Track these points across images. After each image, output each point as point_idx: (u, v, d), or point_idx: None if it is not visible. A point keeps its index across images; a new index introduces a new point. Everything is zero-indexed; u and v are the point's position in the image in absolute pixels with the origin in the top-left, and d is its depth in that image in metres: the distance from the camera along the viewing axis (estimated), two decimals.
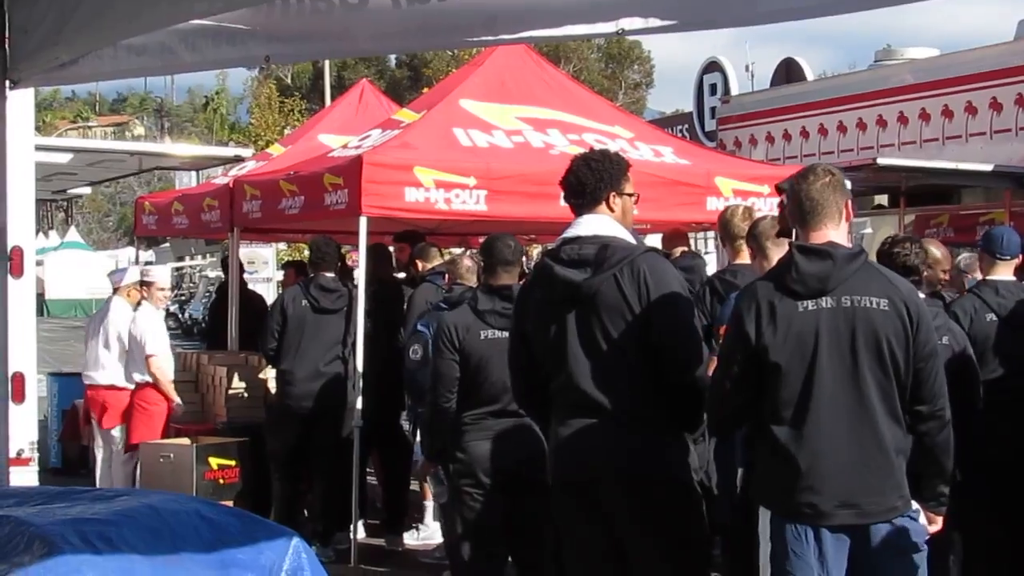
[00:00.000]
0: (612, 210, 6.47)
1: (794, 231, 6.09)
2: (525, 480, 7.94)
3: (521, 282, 7.63)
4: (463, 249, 13.08)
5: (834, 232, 5.86)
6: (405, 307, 11.58)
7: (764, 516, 5.84)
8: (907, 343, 5.79)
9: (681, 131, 28.58)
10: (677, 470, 6.34)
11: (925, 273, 7.93)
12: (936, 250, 8.89)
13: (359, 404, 10.81)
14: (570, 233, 6.44)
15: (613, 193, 6.48)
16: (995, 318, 8.66)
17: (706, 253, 18.08)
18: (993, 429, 8.42)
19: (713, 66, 30.25)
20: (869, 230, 16.84)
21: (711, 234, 18.01)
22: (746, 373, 5.77)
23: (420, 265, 11.83)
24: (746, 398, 5.81)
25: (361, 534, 11.30)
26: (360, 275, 11.66)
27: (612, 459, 6.20)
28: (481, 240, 17.66)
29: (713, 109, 24.60)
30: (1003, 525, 8.60)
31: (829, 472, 5.72)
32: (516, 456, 7.98)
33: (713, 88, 29.24)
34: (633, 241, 6.47)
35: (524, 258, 10.10)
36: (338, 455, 11.11)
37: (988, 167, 14.12)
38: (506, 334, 7.70)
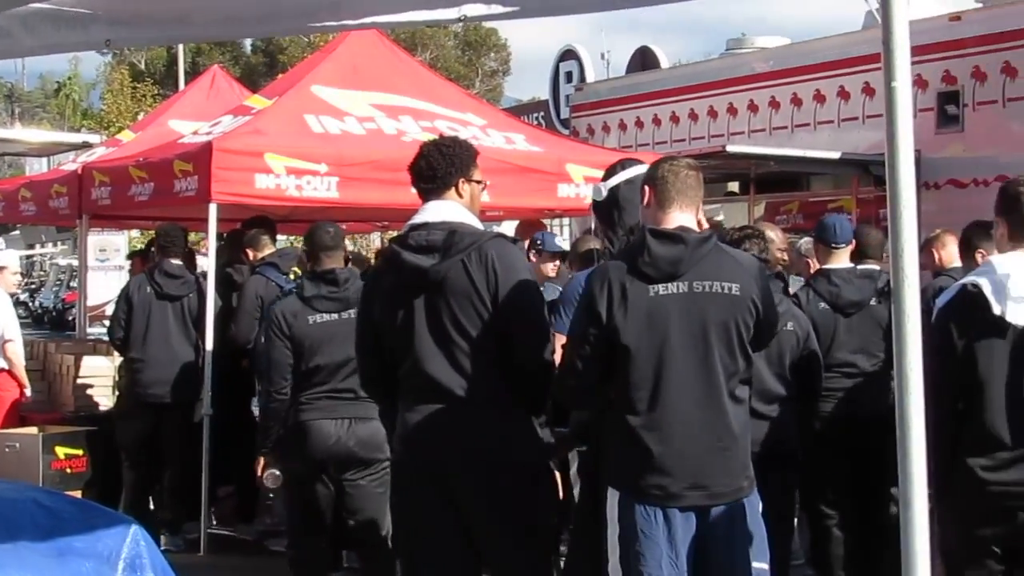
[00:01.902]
0: (461, 196, 6.49)
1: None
2: (359, 461, 8.14)
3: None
4: None
5: (688, 220, 5.94)
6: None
7: (613, 498, 5.86)
8: (750, 326, 5.90)
9: (537, 118, 28.75)
10: (525, 454, 6.37)
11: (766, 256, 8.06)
12: (771, 232, 9.07)
13: (208, 391, 10.76)
14: (418, 219, 6.44)
15: (463, 179, 6.49)
16: (826, 306, 8.85)
17: (562, 239, 18.11)
18: (841, 410, 8.63)
19: (569, 54, 30.40)
20: (722, 217, 17.00)
21: (565, 220, 18.13)
22: (596, 352, 5.80)
23: (251, 254, 11.71)
24: (594, 377, 5.84)
25: (212, 522, 11.24)
26: (210, 263, 11.55)
27: (459, 444, 6.21)
28: None
29: (568, 97, 24.69)
30: (842, 502, 8.79)
31: (679, 454, 5.77)
32: (349, 438, 8.30)
33: (569, 76, 29.38)
34: (481, 227, 6.49)
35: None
36: (188, 443, 11.04)
37: (836, 155, 14.31)
38: (334, 317, 8.28)
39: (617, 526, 5.84)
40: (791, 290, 8.84)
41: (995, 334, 5.97)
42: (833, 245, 9.05)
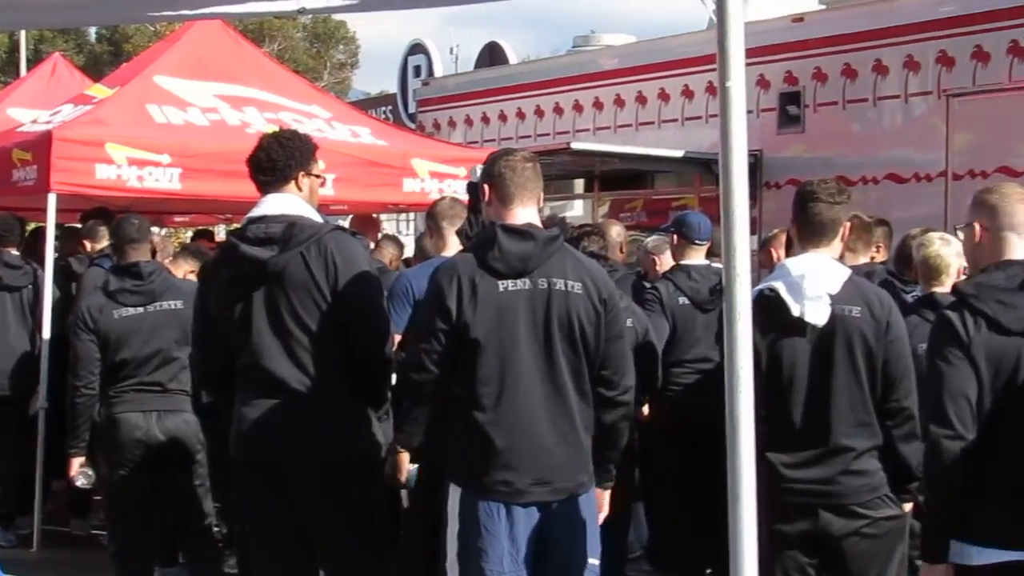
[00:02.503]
0: (300, 190, 6.48)
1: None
2: (169, 453, 8.15)
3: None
4: (160, 228, 12.91)
5: (532, 214, 5.98)
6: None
7: (455, 493, 5.87)
8: (598, 326, 5.94)
9: (385, 112, 28.60)
10: (362, 447, 6.40)
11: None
12: (613, 228, 9.19)
13: (45, 384, 10.60)
14: (257, 212, 6.41)
15: (302, 173, 6.48)
16: (687, 301, 8.96)
17: (406, 235, 18.09)
18: (685, 405, 8.71)
19: (418, 48, 30.35)
20: (570, 213, 17.06)
21: (411, 215, 18.11)
22: (444, 347, 5.79)
23: (88, 245, 11.52)
24: (440, 373, 5.83)
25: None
26: (48, 254, 11.36)
27: (296, 437, 6.20)
28: (177, 219, 17.47)
29: (416, 91, 24.65)
30: (682, 495, 8.88)
31: (525, 450, 5.80)
32: (158, 430, 8.35)
33: (417, 70, 29.33)
34: (320, 220, 6.47)
35: None
36: (23, 436, 10.85)
37: (679, 153, 14.44)
38: (140, 311, 8.36)
39: (458, 522, 5.85)
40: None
41: (796, 334, 6.11)
42: (696, 242, 9.18)
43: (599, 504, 6.21)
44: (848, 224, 6.46)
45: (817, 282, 6.11)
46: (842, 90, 13.47)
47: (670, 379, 8.91)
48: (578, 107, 16.59)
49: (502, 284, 5.81)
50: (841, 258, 6.63)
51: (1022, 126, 11.92)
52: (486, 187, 6.03)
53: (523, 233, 5.87)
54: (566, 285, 5.89)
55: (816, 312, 6.08)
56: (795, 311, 6.11)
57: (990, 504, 5.08)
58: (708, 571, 9.18)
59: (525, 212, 5.96)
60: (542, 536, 5.88)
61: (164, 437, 8.36)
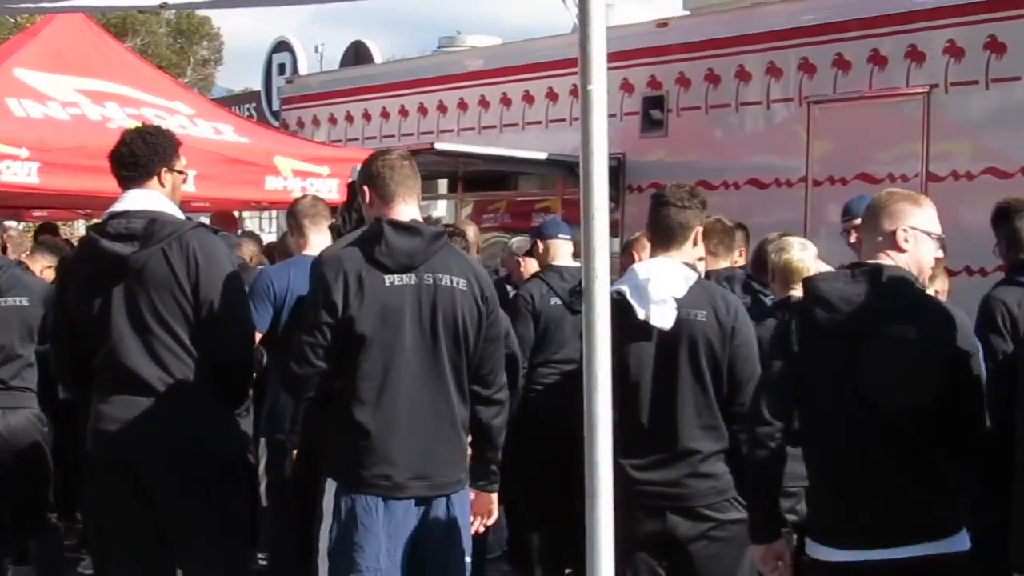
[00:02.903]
0: (163, 185, 6.42)
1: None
2: (13, 451, 8.10)
3: None
4: (18, 223, 12.72)
5: (415, 211, 6.03)
6: None
7: (330, 488, 5.87)
8: (479, 323, 6.01)
9: (249, 110, 28.38)
10: (223, 447, 6.36)
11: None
12: (469, 230, 9.23)
13: None
14: (118, 207, 6.34)
15: (165, 169, 6.43)
16: (559, 301, 9.01)
17: (267, 233, 18.00)
18: (548, 405, 8.75)
19: (283, 45, 30.13)
20: (433, 214, 17.05)
21: (273, 213, 17.99)
22: (329, 342, 5.78)
23: None
24: (327, 366, 5.81)
25: None
26: None
27: (156, 436, 6.13)
28: (35, 214, 17.17)
29: (280, 89, 24.50)
30: (542, 495, 8.92)
31: (406, 444, 5.83)
32: (2, 426, 8.30)
33: (282, 68, 29.12)
34: (182, 217, 6.43)
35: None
36: None
37: (543, 155, 14.50)
38: None
39: (331, 517, 5.85)
40: None
41: (642, 338, 6.18)
42: (561, 236, 9.31)
43: (488, 509, 6.34)
44: (701, 228, 6.53)
45: (663, 286, 6.17)
46: (705, 95, 13.59)
47: (536, 379, 8.97)
48: (442, 108, 16.59)
49: (388, 279, 5.83)
50: (702, 262, 6.71)
51: (881, 134, 12.12)
52: (366, 188, 6.06)
53: (410, 228, 5.90)
54: (451, 281, 5.94)
55: (661, 316, 6.15)
56: (640, 315, 6.18)
57: (820, 504, 5.28)
58: (567, 572, 9.22)
59: (408, 209, 6.00)
60: (419, 532, 5.91)
61: (7, 434, 8.27)
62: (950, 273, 8.32)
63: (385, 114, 17.38)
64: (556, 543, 9.02)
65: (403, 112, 17.12)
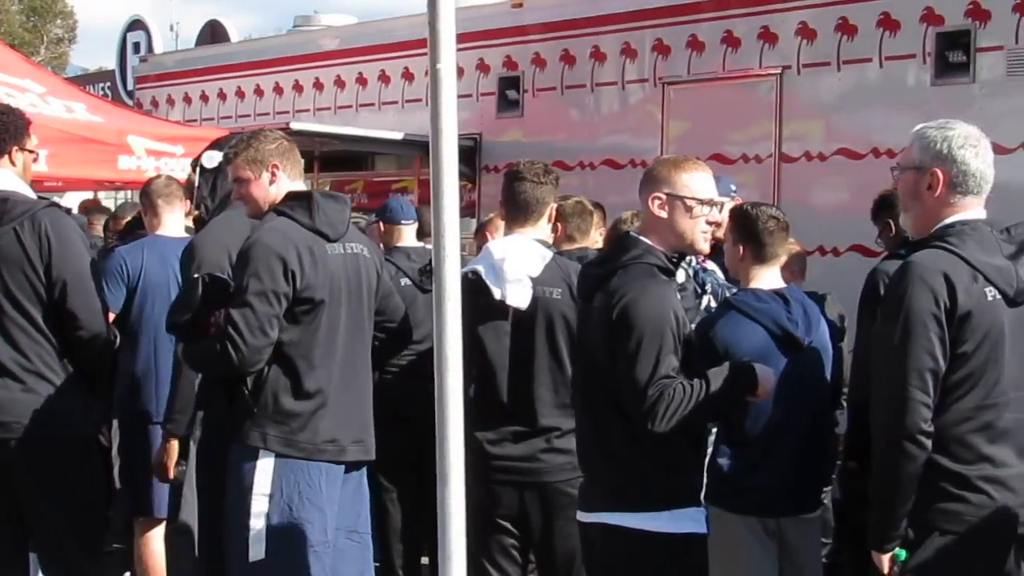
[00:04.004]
0: (14, 164, 6.41)
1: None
2: None
3: None
4: None
5: (301, 184, 6.22)
6: None
7: (266, 463, 5.91)
8: (378, 288, 6.26)
9: (104, 89, 27.97)
10: (79, 429, 6.34)
11: None
12: None
13: None
14: None
15: (15, 147, 6.41)
16: (409, 282, 8.98)
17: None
18: (403, 385, 8.72)
19: (137, 24, 29.71)
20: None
21: (127, 193, 17.75)
22: (281, 312, 5.87)
23: None
24: (275, 337, 5.88)
25: None
26: None
27: (9, 417, 6.10)
28: None
29: (135, 68, 24.18)
30: (400, 475, 8.89)
31: (345, 410, 6.00)
32: None
33: (137, 46, 28.70)
34: (34, 196, 6.36)
35: None
36: None
37: (399, 135, 14.49)
38: None
39: (271, 493, 5.89)
40: None
41: (499, 317, 6.22)
42: (403, 222, 9.23)
43: None
44: (555, 205, 6.56)
45: (518, 265, 6.20)
46: (561, 76, 13.60)
47: (392, 360, 8.93)
48: (298, 87, 16.50)
49: (331, 248, 6.00)
50: (558, 242, 6.73)
51: (735, 114, 12.21)
52: (276, 164, 6.13)
53: (337, 198, 6.18)
54: (362, 249, 6.16)
55: (517, 295, 6.17)
56: (496, 294, 6.21)
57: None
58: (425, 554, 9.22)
59: (304, 185, 6.23)
60: (342, 500, 6.06)
61: None
62: (806, 253, 8.41)
63: (240, 94, 17.24)
64: (414, 523, 9.01)
65: (259, 92, 16.99)
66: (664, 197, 5.27)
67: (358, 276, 6.11)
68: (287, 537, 5.86)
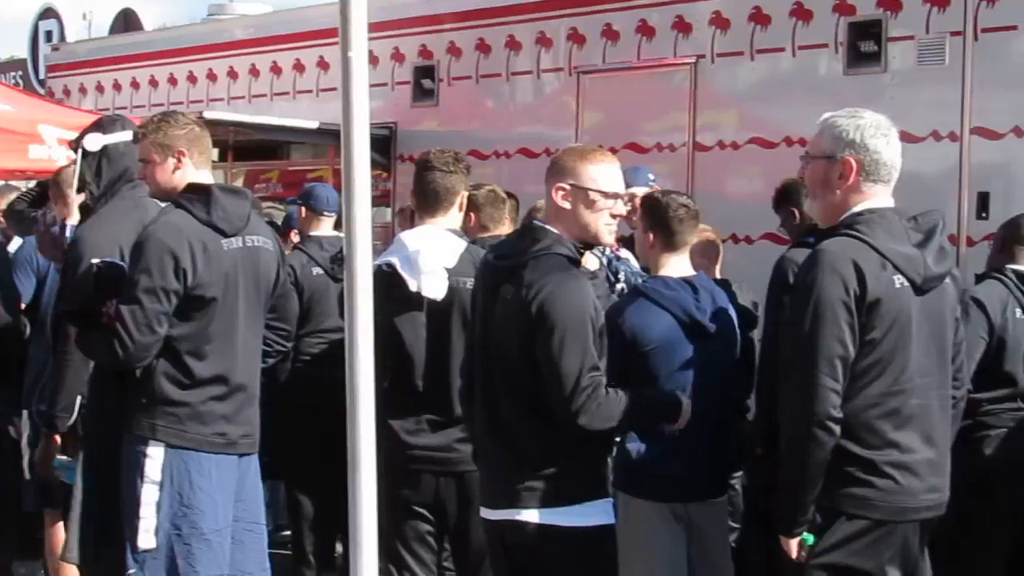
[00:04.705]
0: None
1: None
2: None
3: None
4: None
5: (208, 174, 6.23)
6: None
7: (157, 452, 5.91)
8: (278, 281, 6.31)
9: (15, 78, 27.71)
10: None
11: None
12: None
13: None
14: None
15: None
16: (321, 272, 8.99)
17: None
18: (316, 374, 8.72)
19: (49, 12, 29.43)
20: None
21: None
22: (172, 309, 5.87)
23: None
24: (166, 332, 5.88)
25: None
26: None
27: None
28: None
29: (47, 56, 23.95)
30: (310, 464, 8.90)
31: (237, 404, 6.05)
32: None
33: (49, 35, 28.44)
34: None
35: None
36: None
37: (314, 124, 14.43)
38: None
39: (161, 482, 5.89)
40: None
41: (414, 308, 6.22)
42: (325, 213, 9.25)
43: None
44: (466, 194, 6.56)
45: (433, 256, 6.19)
46: (476, 65, 13.58)
47: (303, 349, 8.93)
48: (212, 76, 16.39)
49: (225, 243, 5.96)
50: (472, 231, 6.73)
51: (649, 104, 12.24)
52: (183, 151, 6.11)
53: (238, 192, 6.19)
54: (263, 242, 6.16)
55: (432, 286, 6.17)
56: (412, 286, 6.20)
57: None
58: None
59: (206, 174, 6.19)
60: (238, 491, 6.09)
61: None
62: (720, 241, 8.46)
63: (154, 82, 17.11)
64: (327, 512, 9.00)
65: (172, 80, 16.87)
66: (568, 188, 5.26)
67: (256, 270, 6.11)
68: (178, 526, 5.88)
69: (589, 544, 5.13)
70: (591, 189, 5.23)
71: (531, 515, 5.12)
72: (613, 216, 5.32)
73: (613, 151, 11.89)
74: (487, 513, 5.34)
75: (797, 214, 7.34)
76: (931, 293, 4.99)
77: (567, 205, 5.25)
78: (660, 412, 5.43)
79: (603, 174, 5.29)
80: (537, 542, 5.11)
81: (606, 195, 5.25)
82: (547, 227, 5.27)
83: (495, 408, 5.23)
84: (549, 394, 5.03)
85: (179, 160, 6.07)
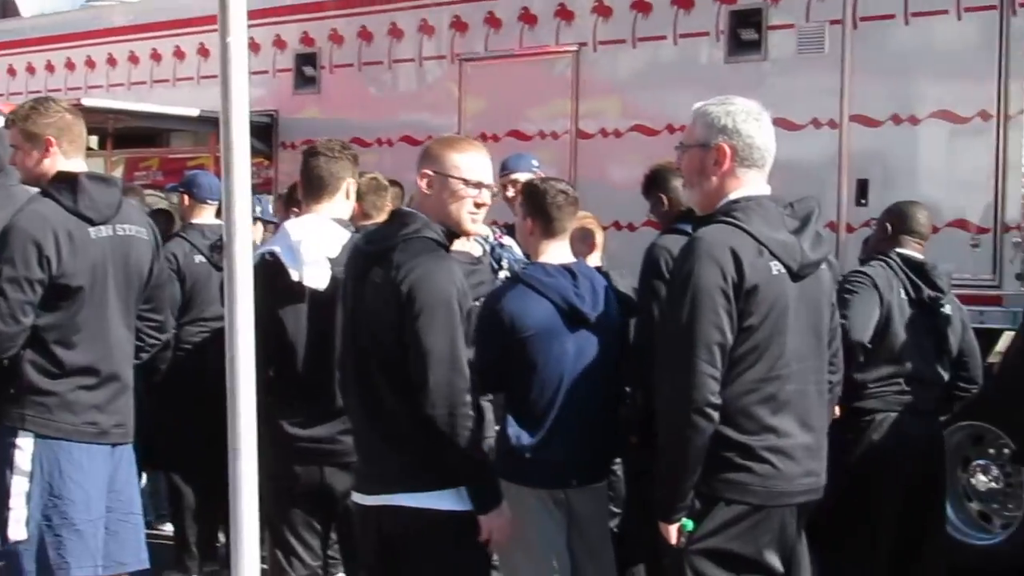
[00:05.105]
0: None
1: None
2: None
3: None
4: None
5: (81, 163, 6.13)
6: None
7: (27, 442, 5.86)
8: (152, 269, 6.22)
9: None
10: None
11: None
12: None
13: None
14: None
15: None
16: (203, 259, 8.95)
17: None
18: (198, 362, 8.67)
19: None
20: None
21: None
22: (37, 298, 5.80)
23: None
24: (31, 322, 5.82)
25: None
26: None
27: None
28: None
29: None
30: (205, 451, 8.80)
31: (109, 393, 5.98)
32: None
33: None
34: None
35: None
36: None
37: (195, 112, 14.37)
38: None
39: (31, 472, 5.83)
40: None
41: (296, 299, 6.20)
42: (208, 201, 9.24)
43: None
44: (353, 182, 6.55)
45: (316, 246, 6.16)
46: (358, 52, 13.55)
47: (185, 338, 8.89)
48: (91, 63, 16.24)
49: (93, 231, 5.90)
50: (355, 219, 6.72)
51: (532, 92, 12.28)
52: (52, 140, 6.04)
53: (107, 180, 6.12)
54: (136, 231, 6.10)
55: (315, 276, 6.14)
56: (294, 276, 6.16)
57: None
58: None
59: (80, 163, 6.09)
60: (112, 481, 6.02)
61: None
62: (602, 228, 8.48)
63: (31, 69, 16.93)
64: (209, 502, 8.95)
65: (50, 67, 16.70)
66: (432, 175, 5.24)
67: (127, 259, 6.05)
68: (49, 517, 5.83)
69: (464, 529, 5.12)
70: (453, 176, 5.22)
71: (405, 499, 5.09)
72: (477, 205, 5.29)
73: (496, 139, 12.09)
74: (360, 498, 5.31)
75: (666, 200, 7.35)
76: (807, 279, 5.02)
77: (430, 192, 5.24)
78: (481, 490, 5.19)
79: (467, 163, 5.25)
80: (411, 527, 5.09)
81: (468, 183, 5.24)
82: (416, 212, 5.27)
83: (369, 394, 5.20)
84: (414, 375, 5.01)
85: (47, 149, 6.01)
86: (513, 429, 6.13)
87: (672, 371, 4.92)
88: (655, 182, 7.50)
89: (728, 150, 5.02)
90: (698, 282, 4.83)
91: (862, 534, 7.00)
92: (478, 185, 5.23)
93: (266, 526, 5.98)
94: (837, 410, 6.20)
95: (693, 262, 4.87)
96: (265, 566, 5.06)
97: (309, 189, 6.46)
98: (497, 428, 6.45)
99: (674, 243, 6.55)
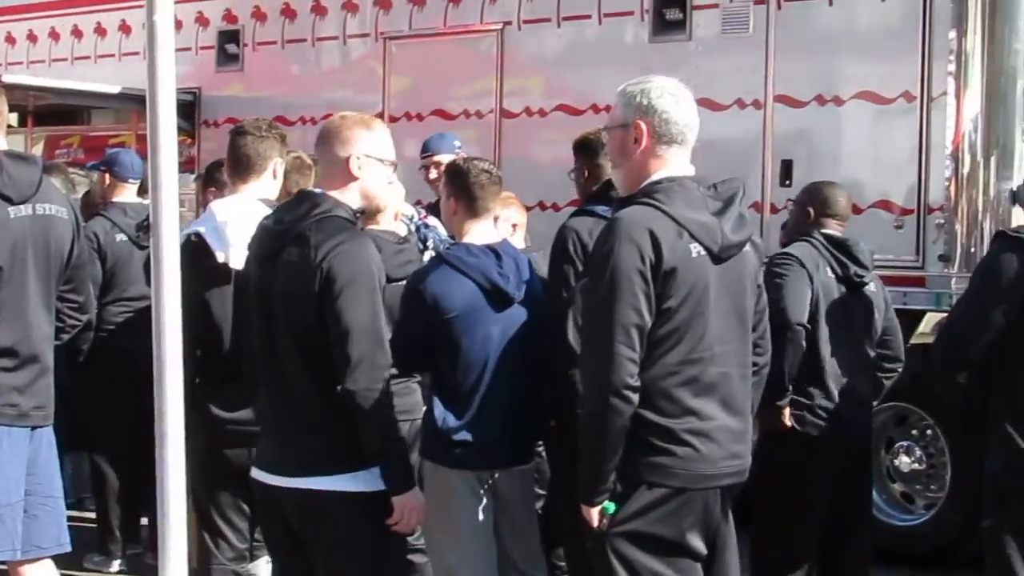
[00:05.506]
0: None
1: None
2: None
3: None
4: None
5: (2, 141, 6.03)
6: None
7: None
8: (72, 250, 6.14)
9: None
10: None
11: None
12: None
13: None
14: None
15: None
16: (125, 238, 8.91)
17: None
18: (121, 342, 8.62)
19: None
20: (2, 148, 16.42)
21: None
22: None
23: None
24: None
25: None
26: None
27: None
28: None
29: None
30: (130, 434, 8.77)
31: (29, 374, 5.93)
32: None
33: None
34: None
35: None
36: None
37: (116, 89, 14.24)
38: None
39: None
40: None
41: (222, 280, 6.18)
42: (130, 180, 9.26)
43: None
44: (280, 161, 6.52)
45: (241, 227, 6.13)
46: (282, 30, 13.47)
47: (107, 318, 8.84)
48: (11, 39, 16.05)
49: (12, 210, 5.82)
50: (280, 199, 6.69)
51: (457, 70, 12.26)
52: None
53: (27, 159, 6.01)
54: (56, 211, 6.01)
55: (240, 257, 6.11)
56: (220, 257, 6.14)
57: None
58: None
59: (3, 140, 6.02)
60: (31, 464, 5.98)
61: None
62: (527, 208, 8.49)
63: None
64: (132, 484, 8.91)
65: None
66: (362, 157, 5.26)
67: (47, 239, 5.97)
68: None
69: (375, 509, 5.11)
70: (366, 156, 5.24)
71: (318, 483, 5.08)
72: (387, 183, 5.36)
73: (420, 118, 12.08)
74: (263, 477, 5.28)
75: (586, 171, 7.27)
76: (730, 261, 5.04)
77: (360, 174, 5.25)
78: (396, 472, 5.22)
79: (375, 141, 5.30)
80: (323, 510, 5.09)
81: (382, 162, 5.28)
82: (324, 192, 5.26)
83: (281, 377, 5.19)
84: (336, 351, 5.00)
85: None
86: (439, 411, 6.12)
87: (591, 353, 4.95)
88: (581, 150, 7.42)
89: (645, 127, 5.03)
90: (616, 264, 4.84)
91: (791, 520, 7.01)
92: (392, 164, 5.33)
93: (192, 509, 5.96)
94: None
95: (612, 243, 4.88)
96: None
97: (236, 169, 6.43)
98: (424, 409, 6.44)
99: (582, 225, 6.57)
